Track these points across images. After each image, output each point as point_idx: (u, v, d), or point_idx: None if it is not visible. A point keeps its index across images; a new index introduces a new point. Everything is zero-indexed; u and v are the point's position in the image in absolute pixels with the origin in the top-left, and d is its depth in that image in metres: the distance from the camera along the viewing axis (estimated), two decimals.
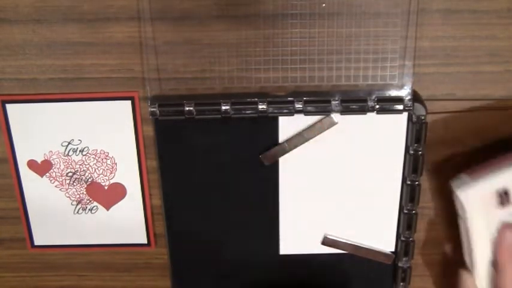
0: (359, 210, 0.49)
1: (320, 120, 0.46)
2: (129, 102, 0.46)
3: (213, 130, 0.46)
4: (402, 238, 0.49)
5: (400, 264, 0.50)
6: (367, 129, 0.46)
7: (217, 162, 0.47)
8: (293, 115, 0.45)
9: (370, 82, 0.44)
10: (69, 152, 0.48)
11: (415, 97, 0.44)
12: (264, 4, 0.42)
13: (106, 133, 0.48)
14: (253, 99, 0.44)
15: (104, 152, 0.48)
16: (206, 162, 0.47)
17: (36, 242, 0.52)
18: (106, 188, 0.50)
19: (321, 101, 0.44)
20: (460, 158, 0.47)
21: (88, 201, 0.50)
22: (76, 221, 0.51)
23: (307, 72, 0.44)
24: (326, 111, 0.45)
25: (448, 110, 0.46)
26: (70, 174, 0.49)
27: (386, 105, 0.44)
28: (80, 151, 0.48)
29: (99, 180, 0.49)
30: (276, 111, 0.45)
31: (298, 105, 0.44)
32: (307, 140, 0.46)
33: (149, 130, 0.47)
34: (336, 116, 0.45)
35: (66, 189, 0.50)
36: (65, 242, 0.52)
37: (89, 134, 0.48)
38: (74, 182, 0.50)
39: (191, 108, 0.45)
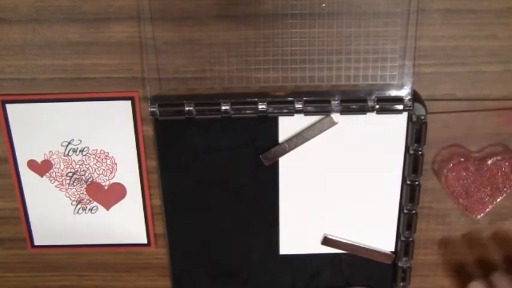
0: (359, 210, 0.49)
1: (320, 120, 0.46)
2: (129, 102, 0.46)
3: (213, 130, 0.46)
4: (402, 238, 0.49)
5: (400, 264, 0.50)
6: (367, 129, 0.46)
7: (217, 162, 0.47)
8: (293, 115, 0.45)
9: (370, 82, 0.44)
10: (69, 152, 0.48)
11: (415, 97, 0.44)
12: (264, 4, 0.42)
13: (106, 133, 0.48)
14: (253, 99, 0.44)
15: (104, 152, 0.48)
16: (206, 162, 0.47)
17: (36, 242, 0.52)
18: (106, 188, 0.50)
19: (321, 101, 0.44)
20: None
21: (88, 201, 0.50)
22: (76, 221, 0.51)
23: (307, 72, 0.44)
24: (326, 111, 0.45)
25: (448, 110, 0.46)
26: (70, 174, 0.49)
27: (386, 105, 0.44)
28: (80, 151, 0.48)
29: (99, 180, 0.49)
30: (276, 111, 0.45)
31: (298, 105, 0.44)
32: (307, 140, 0.46)
33: (149, 130, 0.47)
34: (336, 116, 0.45)
35: (66, 189, 0.50)
36: (65, 242, 0.52)
37: (89, 134, 0.48)
38: (74, 182, 0.50)
39: (191, 108, 0.45)
